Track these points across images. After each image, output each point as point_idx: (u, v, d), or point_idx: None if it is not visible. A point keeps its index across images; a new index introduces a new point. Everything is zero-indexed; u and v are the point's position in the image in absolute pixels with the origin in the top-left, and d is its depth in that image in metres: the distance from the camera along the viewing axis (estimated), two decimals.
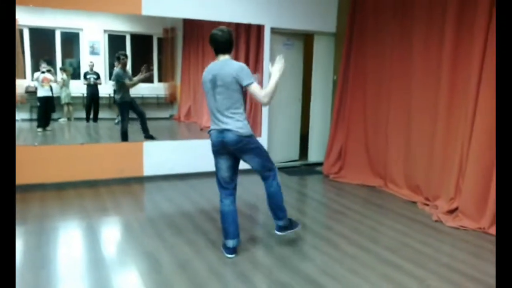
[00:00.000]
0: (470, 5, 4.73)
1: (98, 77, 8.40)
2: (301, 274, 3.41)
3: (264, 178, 3.71)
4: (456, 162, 4.91)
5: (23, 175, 5.47)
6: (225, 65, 3.42)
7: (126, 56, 7.47)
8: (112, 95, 8.29)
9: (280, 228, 3.84)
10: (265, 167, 3.66)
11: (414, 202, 5.41)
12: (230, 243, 3.64)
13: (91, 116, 8.60)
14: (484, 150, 4.55)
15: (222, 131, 3.46)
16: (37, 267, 3.42)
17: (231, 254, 3.65)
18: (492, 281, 3.38)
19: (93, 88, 8.38)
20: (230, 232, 3.63)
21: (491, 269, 3.59)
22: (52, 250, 3.77)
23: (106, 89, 8.76)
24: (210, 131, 3.57)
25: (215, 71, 3.43)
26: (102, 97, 8.99)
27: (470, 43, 4.75)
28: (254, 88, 3.42)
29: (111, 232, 4.32)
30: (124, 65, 7.30)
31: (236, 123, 3.45)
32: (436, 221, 4.77)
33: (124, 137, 7.12)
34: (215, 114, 3.49)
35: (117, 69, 7.39)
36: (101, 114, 9.03)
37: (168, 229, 4.29)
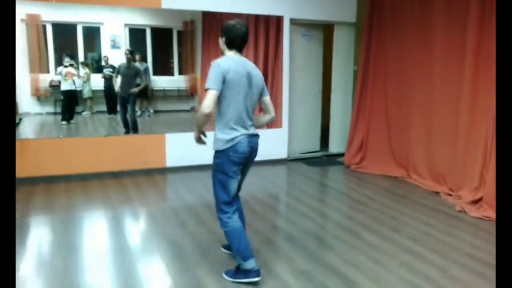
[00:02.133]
0: None
1: (114, 70, 8.56)
2: (322, 263, 3.44)
3: (238, 196, 3.34)
4: (480, 152, 4.85)
5: (48, 167, 5.62)
6: (252, 65, 3.11)
7: (130, 51, 7.61)
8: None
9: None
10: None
11: (437, 193, 5.36)
12: (254, 261, 3.10)
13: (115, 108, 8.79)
14: None
15: (252, 136, 3.09)
16: (65, 254, 3.52)
17: (260, 275, 3.09)
18: None
19: (109, 81, 8.55)
20: (250, 248, 3.14)
21: None
22: (79, 238, 3.87)
23: None
24: (236, 137, 3.00)
25: (248, 68, 3.04)
26: None
27: (492, 35, 4.66)
28: (269, 99, 3.29)
29: (136, 221, 4.40)
30: (127, 61, 7.47)
31: (255, 129, 3.20)
32: (459, 211, 4.73)
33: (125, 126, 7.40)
34: (242, 116, 3.03)
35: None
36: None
37: (190, 219, 4.36)
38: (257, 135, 3.14)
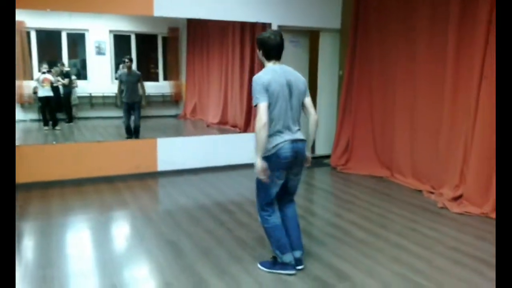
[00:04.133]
0: (473, 1, 4.93)
1: (64, 77, 8.77)
2: (315, 258, 3.63)
3: (291, 201, 3.49)
4: (460, 151, 5.12)
5: (42, 173, 5.69)
6: (293, 72, 3.27)
7: (129, 59, 7.84)
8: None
9: (301, 261, 3.46)
10: (297, 188, 3.51)
11: (420, 191, 5.61)
12: (298, 253, 3.40)
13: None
14: (486, 140, 4.77)
15: (297, 141, 3.21)
16: (62, 259, 3.65)
17: (295, 268, 3.36)
18: (495, 261, 3.59)
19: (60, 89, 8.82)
20: (289, 243, 3.36)
21: (494, 250, 3.81)
22: (76, 242, 4.01)
23: (113, 88, 8.99)
24: (278, 144, 3.14)
25: (288, 76, 3.19)
26: (110, 96, 9.24)
27: (471, 39, 4.94)
28: (310, 100, 3.39)
29: (133, 224, 4.51)
30: (128, 68, 7.71)
31: (302, 134, 3.31)
32: (441, 207, 4.98)
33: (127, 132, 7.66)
34: (288, 123, 3.19)
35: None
36: (108, 113, 9.29)
37: (186, 220, 4.50)
38: (302, 140, 3.24)
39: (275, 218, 3.33)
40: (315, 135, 3.45)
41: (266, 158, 3.16)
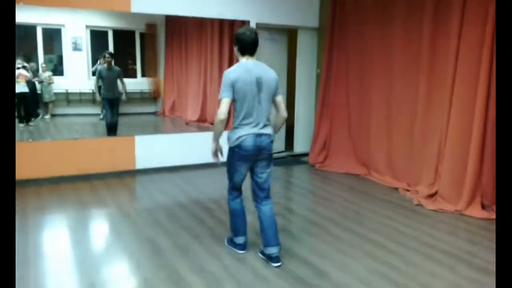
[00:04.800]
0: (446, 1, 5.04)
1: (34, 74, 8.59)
2: (292, 254, 3.67)
3: (267, 198, 3.54)
4: (435, 150, 5.24)
5: (17, 171, 5.57)
6: (265, 69, 3.37)
7: (110, 54, 7.71)
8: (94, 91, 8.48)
9: (278, 258, 3.50)
10: (269, 185, 3.56)
11: (396, 188, 5.72)
12: (243, 239, 3.67)
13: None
14: (460, 139, 4.89)
15: (261, 135, 3.33)
16: (44, 257, 3.61)
17: (244, 250, 3.69)
18: (467, 256, 3.70)
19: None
20: (243, 228, 3.66)
21: (467, 246, 3.93)
22: (55, 241, 3.97)
23: (90, 85, 8.88)
24: (241, 136, 3.30)
25: (258, 73, 3.29)
26: (86, 93, 9.13)
27: (446, 38, 5.05)
28: (281, 98, 3.48)
29: (111, 221, 4.47)
30: (108, 64, 7.59)
31: (271, 129, 3.43)
32: (416, 205, 5.08)
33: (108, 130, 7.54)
34: (255, 118, 3.31)
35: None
36: (85, 110, 9.17)
37: (165, 218, 4.50)
38: (266, 135, 3.36)
39: (236, 204, 3.62)
40: (279, 130, 3.65)
41: (230, 148, 3.42)
